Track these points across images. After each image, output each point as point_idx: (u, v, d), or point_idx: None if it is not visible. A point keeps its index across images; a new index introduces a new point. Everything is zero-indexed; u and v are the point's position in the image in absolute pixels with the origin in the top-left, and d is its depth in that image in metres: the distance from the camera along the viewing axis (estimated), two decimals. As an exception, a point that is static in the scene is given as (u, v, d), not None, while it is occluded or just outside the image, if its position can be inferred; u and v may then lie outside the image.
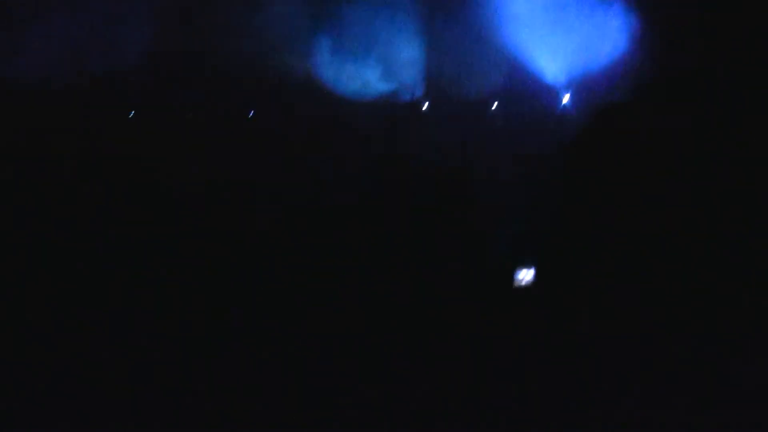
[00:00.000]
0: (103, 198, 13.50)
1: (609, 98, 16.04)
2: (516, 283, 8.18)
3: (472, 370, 6.61)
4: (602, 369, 6.55)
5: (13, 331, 7.33)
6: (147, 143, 18.83)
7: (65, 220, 11.65)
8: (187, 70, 19.62)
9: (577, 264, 9.41)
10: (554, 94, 17.34)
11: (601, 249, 9.87)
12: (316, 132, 18.35)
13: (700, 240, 9.86)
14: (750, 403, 5.95)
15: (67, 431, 5.70)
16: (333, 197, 12.89)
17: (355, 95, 19.80)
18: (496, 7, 17.38)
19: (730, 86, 14.69)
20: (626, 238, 10.20)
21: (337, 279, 9.04)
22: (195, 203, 13.03)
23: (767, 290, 8.14)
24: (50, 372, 6.46)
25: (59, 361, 6.65)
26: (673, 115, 14.93)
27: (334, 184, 13.93)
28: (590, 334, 7.30)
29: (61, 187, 14.25)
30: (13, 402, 5.96)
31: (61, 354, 6.81)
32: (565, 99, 17.04)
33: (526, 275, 8.21)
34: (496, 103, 18.65)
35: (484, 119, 18.59)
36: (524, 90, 17.72)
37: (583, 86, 17.00)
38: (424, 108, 19.75)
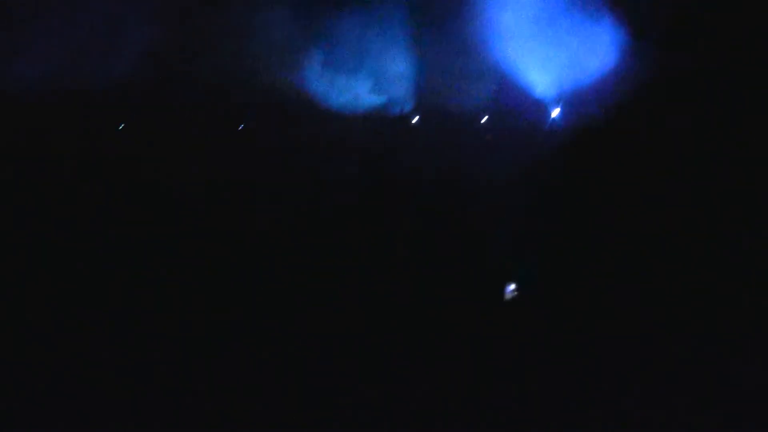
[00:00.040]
0: (102, 197, 13.52)
1: (598, 111, 16.12)
2: (507, 294, 8.22)
3: (472, 370, 6.61)
4: (602, 369, 6.55)
5: (13, 331, 7.33)
6: (146, 143, 18.87)
7: (65, 219, 11.66)
8: (185, 72, 19.66)
9: (577, 264, 9.42)
10: (544, 107, 17.42)
11: (601, 249, 9.88)
12: (308, 144, 18.44)
13: (700, 240, 9.87)
14: (750, 403, 5.95)
15: (67, 431, 5.69)
16: (324, 205, 12.98)
17: (346, 108, 19.89)
18: (486, 22, 17.45)
19: (726, 91, 14.74)
20: (626, 238, 10.21)
21: (336, 281, 9.06)
22: (195, 203, 13.05)
23: (767, 290, 8.15)
24: (50, 372, 6.45)
25: (59, 361, 6.65)
26: (662, 125, 15.01)
27: (325, 192, 14.01)
28: (590, 334, 7.30)
29: (61, 187, 14.26)
30: (13, 402, 5.96)
31: (61, 354, 6.80)
32: (555, 112, 17.13)
33: (513, 289, 8.25)
34: (485, 117, 18.74)
35: (474, 132, 18.67)
36: (514, 103, 17.83)
37: (572, 99, 17.08)
38: (414, 121, 19.84)
